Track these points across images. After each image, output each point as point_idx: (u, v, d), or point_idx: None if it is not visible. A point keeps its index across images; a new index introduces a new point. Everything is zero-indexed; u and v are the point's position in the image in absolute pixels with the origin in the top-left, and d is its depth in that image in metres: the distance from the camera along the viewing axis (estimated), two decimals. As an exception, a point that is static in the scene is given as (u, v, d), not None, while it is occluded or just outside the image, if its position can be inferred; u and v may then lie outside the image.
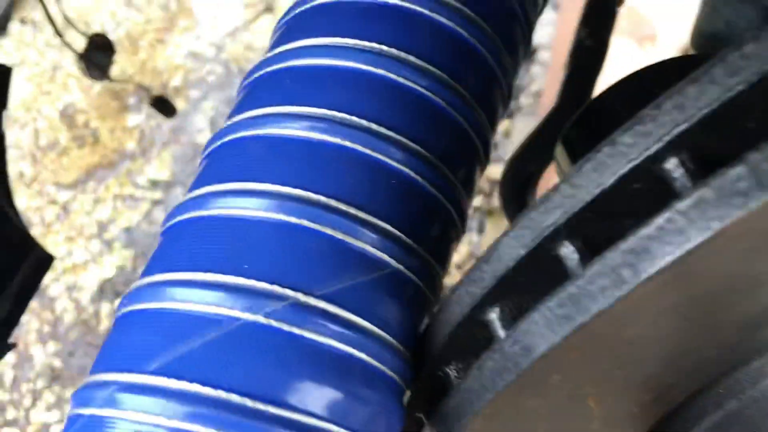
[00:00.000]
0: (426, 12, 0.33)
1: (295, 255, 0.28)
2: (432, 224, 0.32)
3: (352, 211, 0.29)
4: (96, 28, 2.04)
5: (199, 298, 0.28)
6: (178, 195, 1.71)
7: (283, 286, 0.28)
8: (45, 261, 0.57)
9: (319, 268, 0.28)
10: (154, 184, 1.76)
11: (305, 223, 0.29)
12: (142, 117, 1.86)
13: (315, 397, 0.27)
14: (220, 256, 0.29)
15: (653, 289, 0.23)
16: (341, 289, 0.28)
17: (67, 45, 0.75)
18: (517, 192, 0.46)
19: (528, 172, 0.45)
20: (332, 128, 0.30)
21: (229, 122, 0.33)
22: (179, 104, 1.81)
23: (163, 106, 0.97)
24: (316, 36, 0.33)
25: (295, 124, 0.31)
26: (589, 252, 0.25)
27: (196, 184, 0.32)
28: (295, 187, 0.29)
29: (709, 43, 0.43)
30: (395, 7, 0.33)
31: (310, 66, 0.33)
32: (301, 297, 0.28)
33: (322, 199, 0.29)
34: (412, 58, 0.32)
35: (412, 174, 0.31)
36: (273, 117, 0.32)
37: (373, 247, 0.29)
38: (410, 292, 0.31)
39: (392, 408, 0.30)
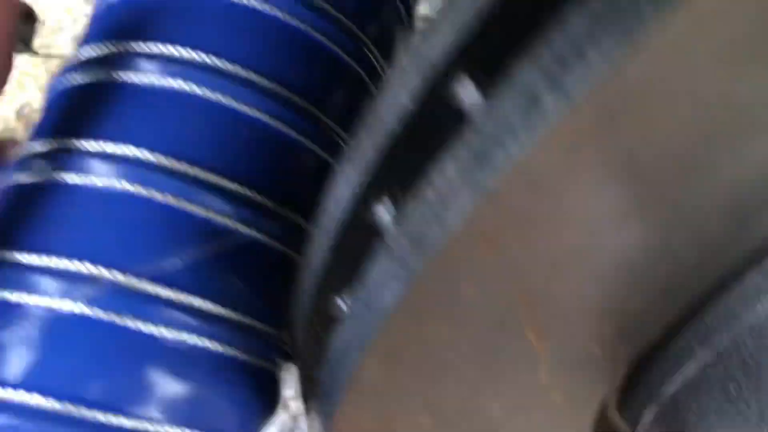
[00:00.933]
0: None
1: (113, 226, 0.23)
2: (299, 178, 0.26)
3: (188, 169, 0.23)
4: (52, 25, 2.00)
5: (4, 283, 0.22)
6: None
7: (101, 266, 0.22)
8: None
9: (146, 241, 0.23)
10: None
11: (127, 186, 0.23)
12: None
13: (149, 399, 0.22)
14: (26, 231, 0.23)
15: (586, 126, 0.14)
16: (176, 265, 0.23)
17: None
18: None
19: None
20: (166, 68, 0.25)
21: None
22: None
23: (27, 45, 0.97)
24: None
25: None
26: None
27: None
28: (114, 141, 0.23)
29: None
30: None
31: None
32: (121, 277, 0.22)
33: (148, 156, 0.23)
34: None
35: (268, 119, 0.25)
36: (86, 63, 0.26)
37: (219, 213, 0.24)
38: (273, 261, 0.25)
39: (254, 399, 0.25)
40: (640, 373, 0.24)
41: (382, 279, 0.19)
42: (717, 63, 0.15)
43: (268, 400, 0.25)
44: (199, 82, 0.24)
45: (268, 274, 0.25)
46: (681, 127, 0.16)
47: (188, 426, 0.23)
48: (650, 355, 0.23)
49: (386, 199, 0.19)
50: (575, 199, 0.17)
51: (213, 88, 0.24)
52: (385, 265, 0.19)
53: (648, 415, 0.24)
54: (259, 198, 0.25)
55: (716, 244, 0.19)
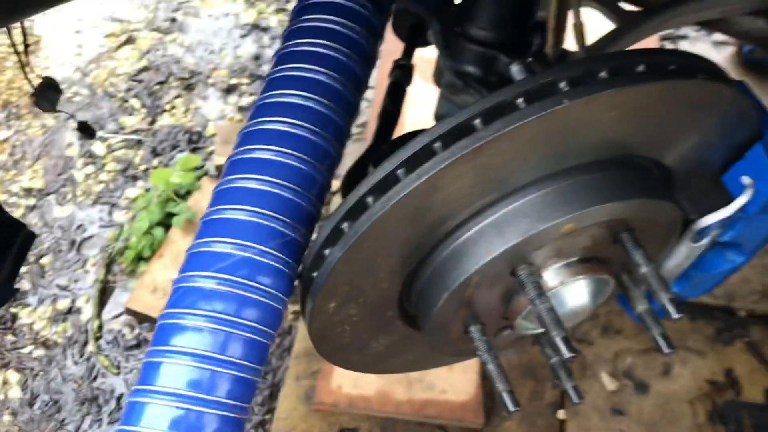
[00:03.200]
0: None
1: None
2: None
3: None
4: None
5: None
6: (51, 201, 1.82)
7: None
8: (30, 237, 0.83)
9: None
10: (28, 191, 1.85)
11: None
12: (11, 132, 1.97)
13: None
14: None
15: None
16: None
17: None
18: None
19: (356, 180, 0.65)
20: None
21: None
22: (49, 122, 1.96)
23: (86, 130, 1.15)
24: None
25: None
26: None
27: None
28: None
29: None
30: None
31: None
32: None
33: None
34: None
35: None
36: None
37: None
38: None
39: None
40: (413, 276, 0.57)
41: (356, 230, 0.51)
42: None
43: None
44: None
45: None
46: None
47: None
48: (415, 268, 0.56)
49: None
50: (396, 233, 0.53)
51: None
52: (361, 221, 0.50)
53: (420, 282, 0.57)
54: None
55: (429, 232, 0.55)
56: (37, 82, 0.91)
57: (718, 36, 1.93)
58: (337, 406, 1.33)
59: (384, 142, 0.72)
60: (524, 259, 0.52)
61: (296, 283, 0.56)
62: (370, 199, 0.49)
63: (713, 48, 1.94)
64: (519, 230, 0.49)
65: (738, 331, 1.39)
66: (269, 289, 0.52)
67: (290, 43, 0.58)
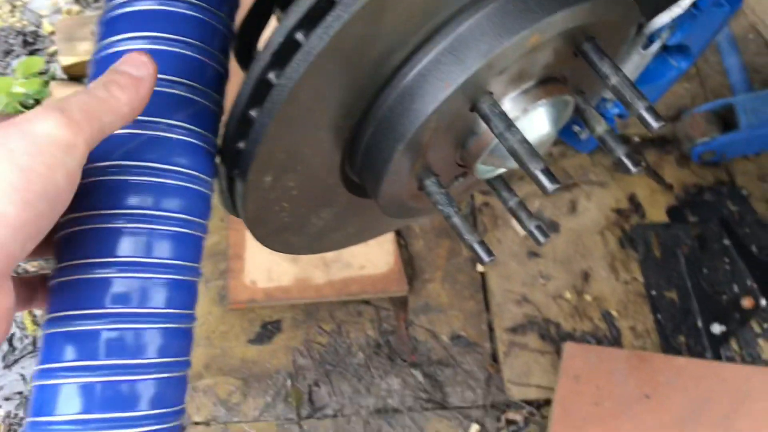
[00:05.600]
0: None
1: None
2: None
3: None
4: None
5: None
6: None
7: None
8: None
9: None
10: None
11: None
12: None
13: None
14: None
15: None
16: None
17: None
18: (246, 52, 0.56)
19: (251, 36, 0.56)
20: None
21: None
22: None
23: None
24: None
25: None
26: None
27: None
28: None
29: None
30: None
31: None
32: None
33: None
34: None
35: None
36: None
37: None
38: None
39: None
40: (355, 131, 0.47)
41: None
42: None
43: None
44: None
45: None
46: None
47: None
48: (355, 125, 0.46)
49: None
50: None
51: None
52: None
53: (366, 137, 0.46)
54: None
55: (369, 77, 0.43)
56: None
57: None
58: (254, 301, 1.26)
59: None
60: (485, 89, 0.44)
61: (218, 160, 0.46)
62: (300, 36, 0.38)
63: None
64: (480, 51, 0.41)
65: (635, 157, 1.42)
66: (189, 171, 0.41)
67: None
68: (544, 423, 1.19)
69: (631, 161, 0.51)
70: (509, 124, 0.43)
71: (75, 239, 0.39)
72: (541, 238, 0.55)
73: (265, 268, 1.28)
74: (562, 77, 0.49)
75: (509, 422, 1.21)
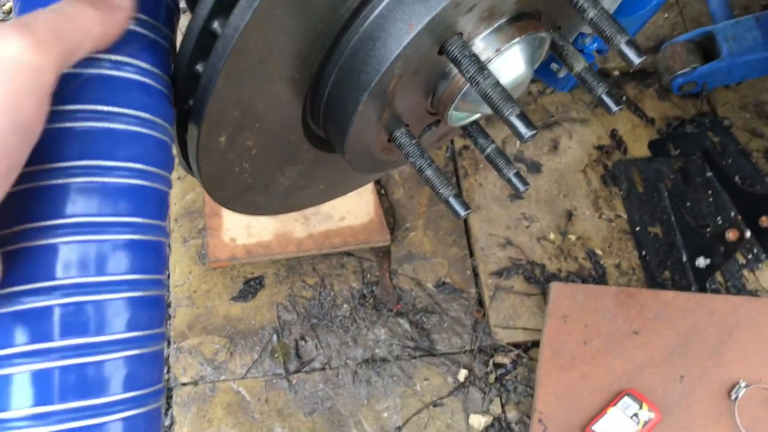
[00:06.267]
0: None
1: None
2: None
3: None
4: None
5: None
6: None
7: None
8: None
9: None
10: None
11: None
12: None
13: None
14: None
15: None
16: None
17: None
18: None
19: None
20: None
21: None
22: None
23: None
24: None
25: None
26: None
27: None
28: None
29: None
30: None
31: None
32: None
33: None
34: None
35: None
36: None
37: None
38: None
39: None
40: (315, 83, 0.44)
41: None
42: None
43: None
44: None
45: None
46: None
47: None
48: (315, 73, 0.43)
49: None
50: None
51: None
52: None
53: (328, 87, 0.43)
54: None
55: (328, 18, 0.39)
56: None
57: None
58: (235, 259, 1.23)
59: None
60: (453, 29, 0.40)
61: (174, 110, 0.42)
62: None
63: None
64: None
65: (615, 92, 1.38)
66: (140, 113, 0.37)
67: None
68: (532, 365, 1.19)
69: (612, 99, 0.48)
70: (481, 66, 0.40)
71: (14, 202, 0.33)
72: (521, 187, 0.53)
73: (244, 224, 1.25)
74: (537, 12, 0.46)
75: (497, 366, 1.21)
